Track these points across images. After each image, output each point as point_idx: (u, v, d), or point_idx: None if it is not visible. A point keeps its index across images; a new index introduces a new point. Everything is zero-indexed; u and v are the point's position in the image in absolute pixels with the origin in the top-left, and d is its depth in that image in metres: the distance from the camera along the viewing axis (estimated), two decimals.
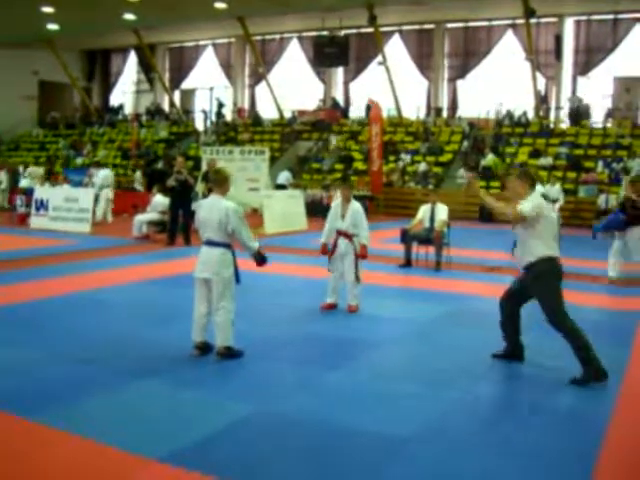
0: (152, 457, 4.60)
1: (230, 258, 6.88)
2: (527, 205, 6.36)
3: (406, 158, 28.42)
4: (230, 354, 6.88)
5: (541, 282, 6.46)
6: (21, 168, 26.38)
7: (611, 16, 28.60)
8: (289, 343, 7.88)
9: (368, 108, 30.81)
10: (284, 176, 25.38)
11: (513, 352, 6.99)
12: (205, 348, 7.01)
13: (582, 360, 6.36)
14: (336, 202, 9.60)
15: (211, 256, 6.83)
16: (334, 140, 31.08)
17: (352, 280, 9.19)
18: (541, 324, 6.70)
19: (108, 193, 20.71)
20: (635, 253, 11.76)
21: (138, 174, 26.99)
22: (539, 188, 16.98)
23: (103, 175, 21.17)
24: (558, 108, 30.40)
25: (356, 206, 9.30)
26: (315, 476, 4.46)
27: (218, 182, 7.08)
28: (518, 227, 6.54)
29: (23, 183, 22.43)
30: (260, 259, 7.11)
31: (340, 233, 9.23)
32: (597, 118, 28.86)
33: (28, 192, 19.90)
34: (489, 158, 26.63)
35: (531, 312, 7.01)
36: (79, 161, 32.93)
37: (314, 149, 31.35)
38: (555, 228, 6.76)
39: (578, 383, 6.27)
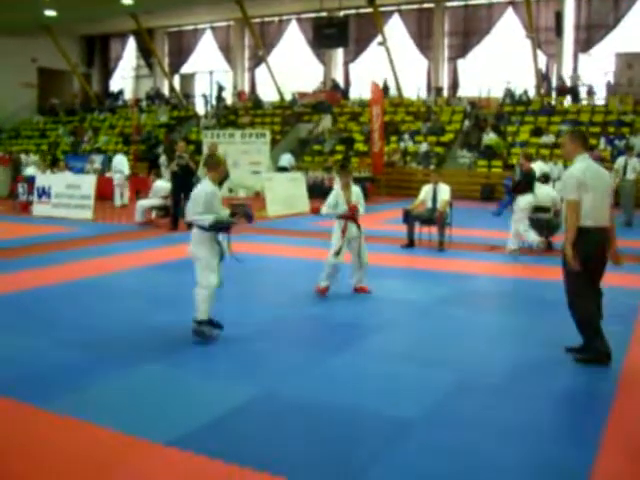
0: (159, 441, 4.62)
1: (205, 237, 7.03)
2: (569, 194, 6.28)
3: (408, 142, 28.26)
4: (199, 330, 6.96)
5: None
6: (23, 156, 26.38)
7: None
8: (292, 326, 7.91)
9: (385, 88, 30.99)
10: (286, 159, 25.32)
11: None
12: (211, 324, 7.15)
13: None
14: (336, 188, 9.54)
15: (191, 236, 7.14)
16: (327, 121, 30.89)
17: (366, 262, 9.30)
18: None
19: (120, 178, 20.88)
20: (518, 223, 12.31)
21: (117, 159, 26.91)
22: (541, 166, 16.97)
23: (117, 160, 21.29)
24: (559, 86, 30.24)
25: (357, 190, 9.37)
26: (321, 458, 4.48)
27: (209, 166, 7.48)
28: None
29: (28, 171, 22.42)
30: (217, 229, 7.10)
31: (348, 218, 9.19)
32: (599, 95, 28.74)
33: (30, 180, 19.89)
34: (491, 137, 26.55)
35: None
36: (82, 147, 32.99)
37: (315, 131, 31.26)
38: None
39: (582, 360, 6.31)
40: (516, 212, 12.41)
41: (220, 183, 17.82)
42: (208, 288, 7.00)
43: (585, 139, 6.66)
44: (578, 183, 6.22)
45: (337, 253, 9.07)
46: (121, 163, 21.22)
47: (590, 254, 6.26)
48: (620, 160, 17.13)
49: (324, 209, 9.40)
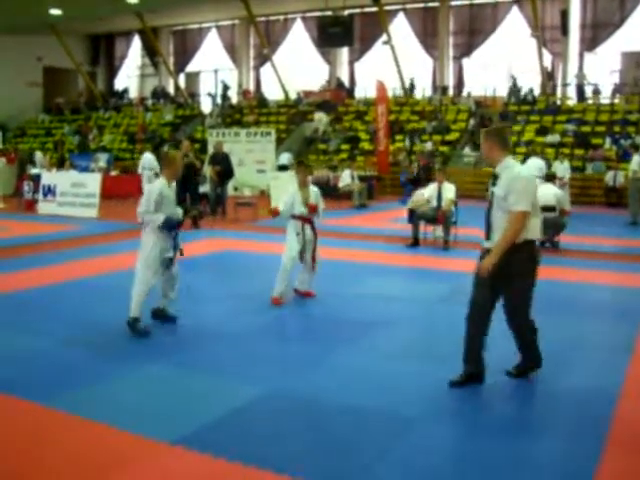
0: (163, 440, 4.61)
1: (148, 234, 7.15)
2: (521, 201, 5.31)
3: (427, 145, 27.98)
4: (132, 325, 7.03)
5: None
6: (38, 154, 26.40)
7: None
8: (294, 324, 7.92)
9: (412, 86, 31.04)
10: (285, 157, 25.35)
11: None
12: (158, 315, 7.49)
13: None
14: (293, 187, 8.70)
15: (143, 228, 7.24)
16: (324, 119, 30.81)
17: (313, 266, 8.70)
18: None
19: (149, 176, 20.92)
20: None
21: (145, 157, 26.79)
22: (538, 162, 16.99)
23: (146, 159, 21.30)
24: (565, 85, 30.20)
25: (315, 190, 8.72)
26: (325, 457, 4.47)
27: (163, 164, 7.40)
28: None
29: (34, 169, 22.46)
30: (168, 228, 7.15)
31: (304, 220, 8.57)
32: (605, 94, 28.67)
33: (35, 178, 19.93)
34: None
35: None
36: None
37: (312, 131, 31.20)
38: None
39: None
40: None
41: (224, 181, 17.94)
42: (146, 285, 7.06)
43: (503, 137, 5.58)
44: (534, 189, 5.49)
45: (301, 258, 8.53)
46: (150, 161, 21.24)
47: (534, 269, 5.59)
48: (637, 158, 16.87)
49: (282, 207, 8.61)
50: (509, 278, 5.44)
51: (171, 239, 7.22)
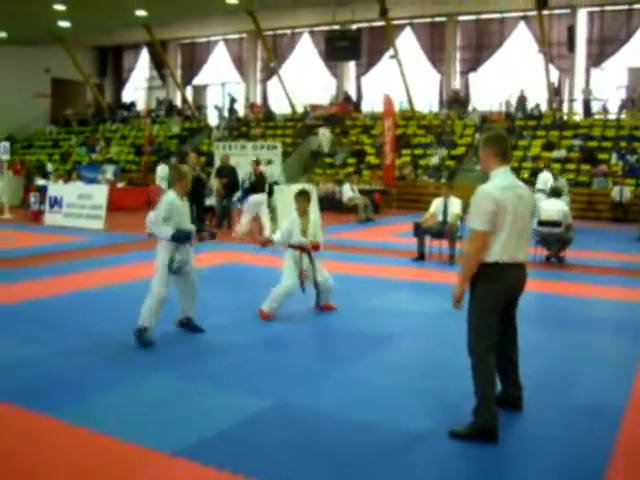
0: (166, 452, 4.60)
1: (161, 246, 7.22)
2: (473, 219, 4.90)
3: (439, 153, 28.00)
4: (138, 335, 7.09)
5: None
6: (50, 165, 26.51)
7: (625, 7, 28.38)
8: (302, 337, 7.91)
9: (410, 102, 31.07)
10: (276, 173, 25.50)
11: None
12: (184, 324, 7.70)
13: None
14: (294, 215, 8.56)
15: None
16: (327, 134, 30.84)
17: (330, 283, 8.70)
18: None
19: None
20: (246, 215, 16.15)
21: (161, 169, 26.70)
22: (546, 177, 17.15)
23: (161, 169, 21.40)
24: (571, 100, 30.23)
25: (315, 218, 8.67)
26: (328, 471, 4.45)
27: (175, 179, 7.46)
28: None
29: (41, 181, 22.57)
30: (177, 240, 7.23)
31: (302, 249, 8.46)
32: (611, 109, 28.69)
33: (42, 189, 20.00)
34: None
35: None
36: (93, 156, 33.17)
37: (318, 146, 31.24)
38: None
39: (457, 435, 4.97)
40: (249, 205, 16.26)
41: (230, 194, 18.01)
42: (157, 299, 7.14)
43: (502, 146, 5.05)
44: (495, 207, 4.80)
45: (302, 290, 8.46)
46: (163, 171, 21.32)
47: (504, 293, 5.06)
48: None
49: (278, 237, 8.57)
50: (470, 297, 5.08)
51: (184, 251, 7.33)
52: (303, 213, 8.51)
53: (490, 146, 5.06)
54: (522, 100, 30.11)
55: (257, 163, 18.23)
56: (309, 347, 7.66)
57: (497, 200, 4.80)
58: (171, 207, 7.17)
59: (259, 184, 16.99)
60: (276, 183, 23.58)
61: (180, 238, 7.20)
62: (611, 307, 9.52)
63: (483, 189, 4.91)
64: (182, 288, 7.56)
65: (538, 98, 29.78)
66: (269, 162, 23.44)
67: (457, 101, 32.12)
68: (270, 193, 16.28)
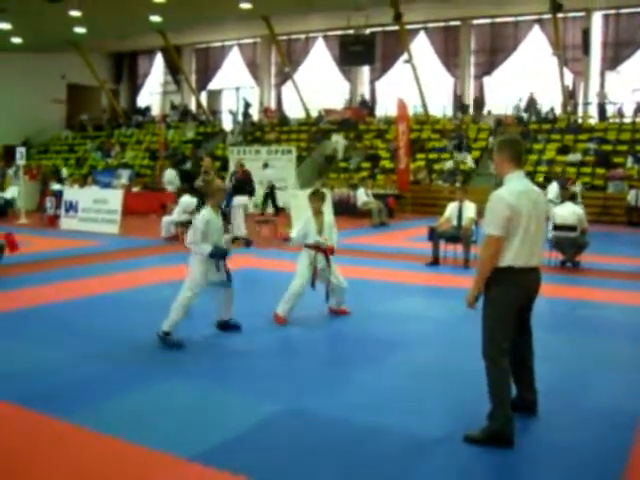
0: (182, 456, 4.62)
1: (193, 259, 7.50)
2: (489, 224, 4.92)
3: (447, 163, 27.94)
4: (164, 339, 7.23)
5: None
6: (65, 170, 26.65)
7: None
8: (315, 341, 7.90)
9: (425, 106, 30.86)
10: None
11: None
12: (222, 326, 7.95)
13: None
14: (308, 215, 8.58)
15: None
16: (341, 141, 30.83)
17: (344, 285, 8.69)
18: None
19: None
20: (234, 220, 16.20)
21: (168, 173, 26.78)
22: (554, 188, 17.21)
23: (168, 173, 21.54)
24: (586, 104, 30.11)
25: (329, 219, 8.68)
26: (344, 476, 4.46)
27: (210, 193, 7.67)
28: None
29: (56, 186, 22.70)
30: (215, 257, 7.46)
31: (317, 249, 8.45)
32: (627, 113, 28.54)
33: (58, 194, 20.12)
34: None
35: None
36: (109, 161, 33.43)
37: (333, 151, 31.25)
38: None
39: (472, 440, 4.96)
40: (234, 208, 16.39)
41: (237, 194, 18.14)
42: (184, 304, 7.34)
43: (517, 150, 5.05)
44: (510, 212, 4.82)
45: (312, 285, 8.42)
46: (171, 175, 21.48)
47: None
48: None
49: (294, 235, 8.65)
50: (484, 298, 5.10)
51: (219, 265, 7.55)
52: (317, 212, 8.52)
53: (504, 150, 5.05)
54: (532, 103, 30.04)
55: (242, 165, 18.19)
56: (322, 352, 7.66)
57: (512, 205, 4.81)
58: (207, 224, 7.38)
59: (243, 185, 17.02)
60: (274, 187, 23.65)
61: (218, 255, 7.42)
62: (627, 312, 9.46)
63: (498, 194, 4.92)
64: (220, 294, 7.82)
65: (553, 101, 29.66)
66: (265, 165, 23.53)
67: (463, 106, 32.15)
68: (269, 196, 16.67)
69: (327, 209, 8.76)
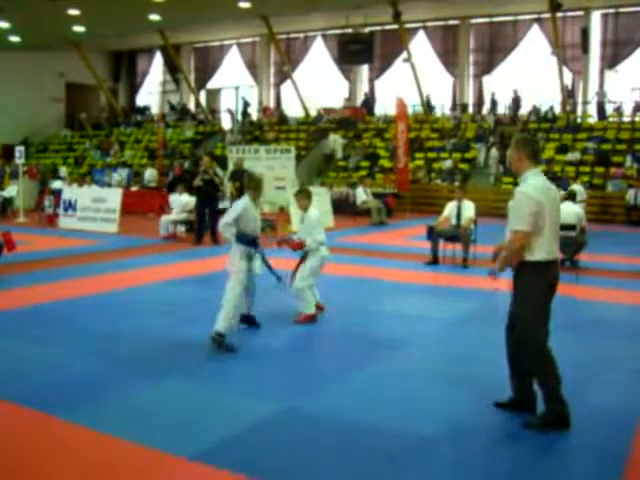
0: (181, 455, 4.62)
1: (235, 252, 7.46)
2: (516, 220, 5.17)
3: (446, 162, 27.89)
4: (219, 341, 7.11)
5: None
6: (63, 170, 26.63)
7: (639, 8, 28.21)
8: (315, 341, 7.90)
9: (429, 104, 30.83)
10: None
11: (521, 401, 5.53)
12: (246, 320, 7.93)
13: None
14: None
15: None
16: (339, 140, 30.78)
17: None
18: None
19: None
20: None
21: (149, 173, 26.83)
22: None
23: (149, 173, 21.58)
24: (585, 103, 30.10)
25: (312, 216, 8.62)
26: (343, 475, 4.46)
27: (251, 186, 7.73)
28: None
29: (56, 184, 22.71)
30: (243, 242, 7.48)
31: (286, 243, 8.76)
32: (626, 112, 28.53)
33: (56, 193, 20.10)
34: None
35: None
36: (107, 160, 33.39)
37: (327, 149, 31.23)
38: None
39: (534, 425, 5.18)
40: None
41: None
42: (237, 300, 7.29)
43: (534, 148, 5.32)
44: (537, 208, 5.06)
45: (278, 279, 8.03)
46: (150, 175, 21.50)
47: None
48: None
49: (309, 242, 8.59)
50: (515, 291, 5.38)
51: (257, 254, 7.62)
52: (304, 209, 8.73)
53: (524, 148, 5.27)
54: (517, 101, 30.02)
55: (241, 164, 18.21)
56: (321, 351, 7.66)
57: (538, 201, 5.06)
58: (245, 210, 7.47)
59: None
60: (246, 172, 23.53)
61: (244, 240, 7.44)
62: (626, 311, 9.46)
63: (523, 192, 5.14)
64: (247, 287, 7.69)
65: (552, 100, 29.64)
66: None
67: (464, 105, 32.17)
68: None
69: (315, 209, 8.72)
